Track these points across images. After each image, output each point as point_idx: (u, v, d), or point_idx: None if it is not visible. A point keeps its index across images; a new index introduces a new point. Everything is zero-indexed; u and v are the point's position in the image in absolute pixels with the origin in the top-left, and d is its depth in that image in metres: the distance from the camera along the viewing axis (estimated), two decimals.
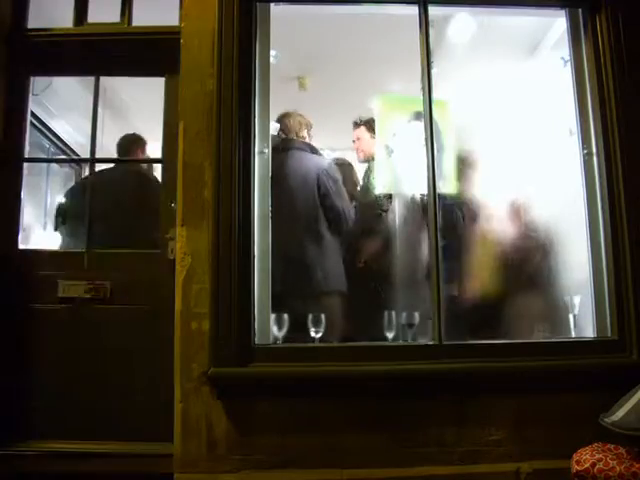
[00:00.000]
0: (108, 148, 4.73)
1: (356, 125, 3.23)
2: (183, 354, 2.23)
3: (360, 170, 3.27)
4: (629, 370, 2.20)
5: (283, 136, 2.96)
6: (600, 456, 1.71)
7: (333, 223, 2.84)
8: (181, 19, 2.48)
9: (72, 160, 4.69)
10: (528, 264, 2.84)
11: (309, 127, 3.03)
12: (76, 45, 2.64)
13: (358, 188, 3.19)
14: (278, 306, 2.42)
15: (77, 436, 2.42)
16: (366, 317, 2.64)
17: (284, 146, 2.92)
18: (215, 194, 2.26)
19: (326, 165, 2.92)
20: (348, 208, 2.90)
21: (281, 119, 2.98)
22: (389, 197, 2.96)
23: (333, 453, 2.20)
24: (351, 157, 3.36)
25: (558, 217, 2.81)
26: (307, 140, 3.02)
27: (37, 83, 2.88)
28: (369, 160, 3.15)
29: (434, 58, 2.58)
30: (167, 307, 2.32)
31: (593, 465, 1.70)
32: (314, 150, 2.99)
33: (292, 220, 2.78)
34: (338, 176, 2.93)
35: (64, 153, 4.38)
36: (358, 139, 3.24)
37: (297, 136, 2.98)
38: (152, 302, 2.49)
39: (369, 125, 3.16)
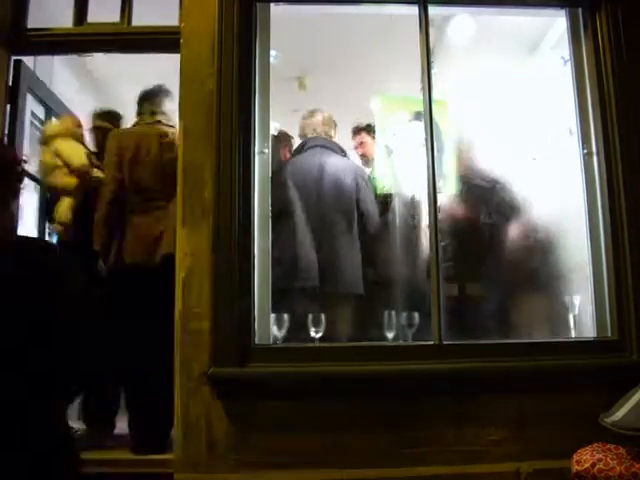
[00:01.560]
0: None
1: (357, 131, 3.23)
2: (183, 354, 2.23)
3: None
4: (629, 370, 2.20)
5: (310, 135, 2.96)
6: (600, 456, 1.71)
7: (362, 226, 2.84)
8: (181, 19, 2.48)
9: None
10: (528, 264, 2.85)
11: (336, 126, 3.03)
12: (76, 45, 2.65)
13: None
14: (292, 303, 2.47)
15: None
16: (377, 318, 2.63)
17: (312, 144, 2.92)
18: (215, 194, 2.26)
19: (362, 170, 2.94)
20: (375, 212, 2.91)
21: (307, 117, 2.98)
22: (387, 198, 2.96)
23: (333, 453, 2.20)
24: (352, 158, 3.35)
25: (558, 217, 2.81)
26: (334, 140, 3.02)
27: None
28: (372, 164, 3.16)
29: (434, 58, 2.58)
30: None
31: (593, 465, 1.69)
32: (344, 152, 2.99)
33: (322, 219, 2.80)
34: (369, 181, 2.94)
35: None
36: (361, 144, 3.23)
37: (326, 134, 2.97)
38: None
39: (369, 129, 3.17)
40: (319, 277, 2.72)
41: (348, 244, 2.79)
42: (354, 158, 3.32)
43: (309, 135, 2.96)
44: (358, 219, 2.83)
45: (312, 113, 3.00)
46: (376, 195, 2.95)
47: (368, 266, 2.86)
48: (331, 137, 3.00)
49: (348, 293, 2.78)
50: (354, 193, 2.83)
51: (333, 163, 2.88)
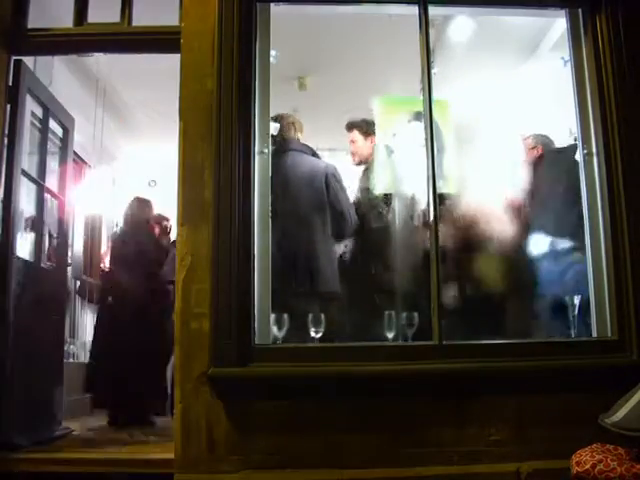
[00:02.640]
0: (108, 147, 4.74)
1: (348, 128, 3.16)
2: (183, 354, 2.23)
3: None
4: (629, 370, 2.20)
5: (280, 138, 2.92)
6: (600, 457, 1.70)
7: (337, 226, 2.83)
8: (181, 19, 2.48)
9: (72, 160, 4.69)
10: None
11: (302, 128, 3.01)
12: (76, 45, 2.65)
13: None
14: (281, 306, 2.42)
15: None
16: (367, 318, 2.63)
17: (284, 148, 2.91)
18: (215, 194, 2.26)
19: (332, 169, 2.90)
20: (352, 211, 2.89)
21: (278, 121, 2.97)
22: (387, 198, 2.95)
23: (333, 453, 2.20)
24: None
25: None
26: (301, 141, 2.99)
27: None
28: (364, 163, 3.11)
29: (434, 58, 2.58)
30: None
31: (594, 466, 1.69)
32: (314, 153, 2.97)
33: (296, 222, 2.77)
34: (343, 180, 2.91)
35: None
36: (352, 142, 3.16)
37: (293, 137, 2.95)
38: None
39: (361, 127, 3.10)
40: (296, 278, 2.71)
41: (324, 242, 2.79)
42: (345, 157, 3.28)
43: (278, 139, 2.94)
44: (333, 218, 2.82)
45: (280, 117, 2.96)
46: (366, 194, 2.94)
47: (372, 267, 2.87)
48: (299, 139, 2.98)
49: (326, 292, 2.77)
50: (324, 192, 2.81)
51: (303, 165, 2.87)
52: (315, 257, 2.77)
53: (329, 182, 2.83)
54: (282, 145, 2.91)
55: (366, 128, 3.09)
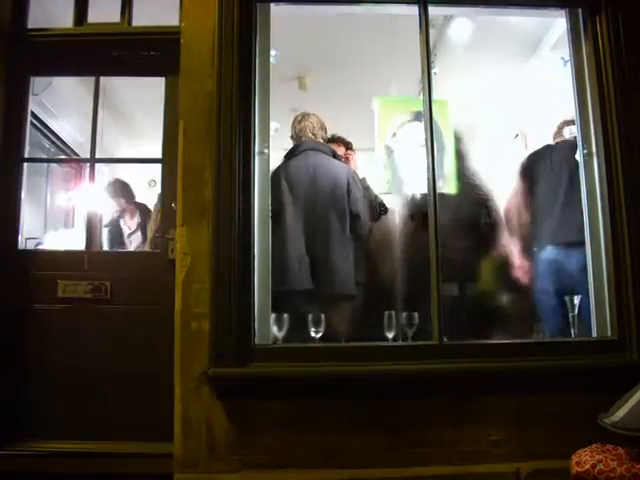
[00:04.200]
0: (108, 147, 4.73)
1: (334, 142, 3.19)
2: (183, 354, 2.23)
3: None
4: (629, 370, 2.20)
5: (305, 137, 2.94)
6: (600, 457, 1.71)
7: (355, 227, 2.82)
8: (181, 19, 2.48)
9: (72, 160, 4.70)
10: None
11: (326, 129, 3.01)
12: (76, 45, 2.65)
13: None
14: (286, 306, 2.44)
15: (77, 436, 2.42)
16: (374, 319, 2.63)
17: (305, 147, 2.91)
18: (215, 194, 2.26)
19: (353, 172, 2.90)
20: (367, 215, 2.89)
21: (301, 119, 2.98)
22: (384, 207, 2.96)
23: (333, 453, 2.20)
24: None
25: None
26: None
27: (37, 83, 2.87)
28: None
29: (434, 58, 2.58)
30: (167, 307, 2.32)
31: (594, 466, 1.69)
32: (335, 155, 2.97)
33: (315, 220, 2.78)
34: (360, 182, 2.91)
35: (64, 153, 4.39)
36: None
37: (317, 137, 2.96)
38: (152, 302, 2.49)
39: (345, 143, 3.17)
40: (312, 279, 2.71)
41: (341, 245, 2.77)
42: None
43: (303, 138, 2.95)
44: (351, 220, 2.81)
45: (306, 116, 2.99)
46: (374, 197, 2.95)
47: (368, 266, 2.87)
48: (324, 140, 2.99)
49: (342, 294, 2.75)
50: (346, 194, 2.81)
51: (325, 165, 2.86)
52: (331, 258, 2.75)
53: (351, 185, 2.82)
54: (307, 145, 2.91)
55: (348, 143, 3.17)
